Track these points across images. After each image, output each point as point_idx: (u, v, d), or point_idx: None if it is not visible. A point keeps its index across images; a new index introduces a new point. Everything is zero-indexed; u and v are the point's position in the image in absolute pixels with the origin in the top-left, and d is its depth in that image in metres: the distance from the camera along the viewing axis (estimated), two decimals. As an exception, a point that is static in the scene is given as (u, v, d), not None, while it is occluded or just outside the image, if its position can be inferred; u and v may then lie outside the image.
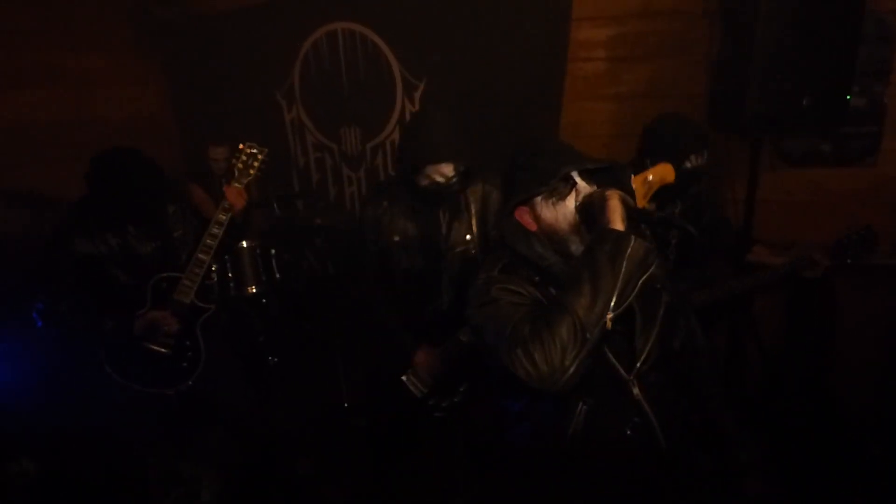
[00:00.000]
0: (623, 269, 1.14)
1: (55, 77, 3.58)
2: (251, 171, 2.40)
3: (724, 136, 2.64)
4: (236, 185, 2.36)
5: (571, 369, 1.11)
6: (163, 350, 2.35)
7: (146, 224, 2.37)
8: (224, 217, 2.33)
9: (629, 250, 1.14)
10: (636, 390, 1.31)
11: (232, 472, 2.62)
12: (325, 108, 3.86)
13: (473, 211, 2.22)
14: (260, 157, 2.41)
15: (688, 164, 2.28)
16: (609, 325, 1.14)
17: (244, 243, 3.20)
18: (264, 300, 3.37)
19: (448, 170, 2.04)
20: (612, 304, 1.13)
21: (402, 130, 3.60)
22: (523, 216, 1.37)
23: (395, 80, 3.54)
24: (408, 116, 3.58)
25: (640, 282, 1.17)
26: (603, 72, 3.07)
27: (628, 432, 1.31)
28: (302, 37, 3.74)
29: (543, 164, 1.32)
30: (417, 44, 3.41)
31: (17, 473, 2.54)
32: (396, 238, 2.22)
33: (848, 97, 2.29)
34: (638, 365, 1.32)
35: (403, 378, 2.23)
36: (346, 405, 3.10)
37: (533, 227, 1.36)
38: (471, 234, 2.22)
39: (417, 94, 3.50)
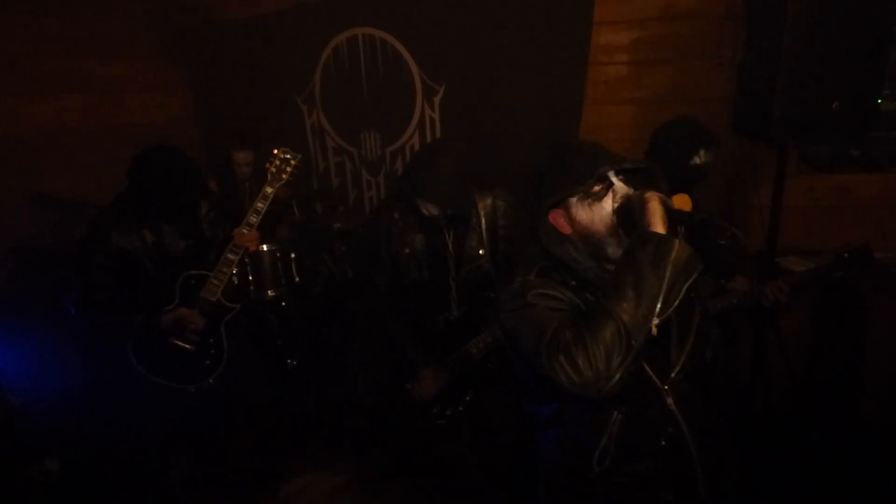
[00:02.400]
0: (667, 274, 1.10)
1: (82, 84, 3.66)
2: (283, 176, 2.47)
3: (749, 141, 2.60)
4: (246, 226, 2.40)
5: (617, 376, 1.07)
6: (187, 346, 2.39)
7: (180, 222, 2.42)
8: (234, 257, 2.39)
9: (673, 254, 1.11)
10: (670, 400, 1.27)
11: (249, 473, 2.64)
12: (345, 112, 3.88)
13: (484, 226, 2.26)
14: (293, 162, 2.48)
15: (696, 160, 2.27)
16: (654, 330, 1.11)
17: (264, 247, 3.24)
18: (284, 303, 3.39)
19: (433, 209, 2.13)
20: (658, 309, 1.10)
21: (421, 140, 3.63)
22: (557, 219, 1.33)
23: (414, 84, 3.55)
24: (427, 122, 3.58)
25: (685, 287, 1.13)
26: (624, 75, 3.04)
27: (663, 443, 1.27)
28: (323, 42, 3.77)
29: (579, 164, 1.28)
30: (437, 48, 3.41)
31: (42, 472, 2.59)
32: (406, 250, 2.26)
33: (879, 101, 2.23)
34: (673, 375, 1.28)
35: (407, 385, 2.27)
36: (362, 409, 3.11)
37: (567, 230, 1.32)
38: (483, 248, 2.26)
39: (437, 99, 3.51)
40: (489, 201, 2.27)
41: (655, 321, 1.10)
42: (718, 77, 2.79)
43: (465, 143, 3.14)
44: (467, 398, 2.31)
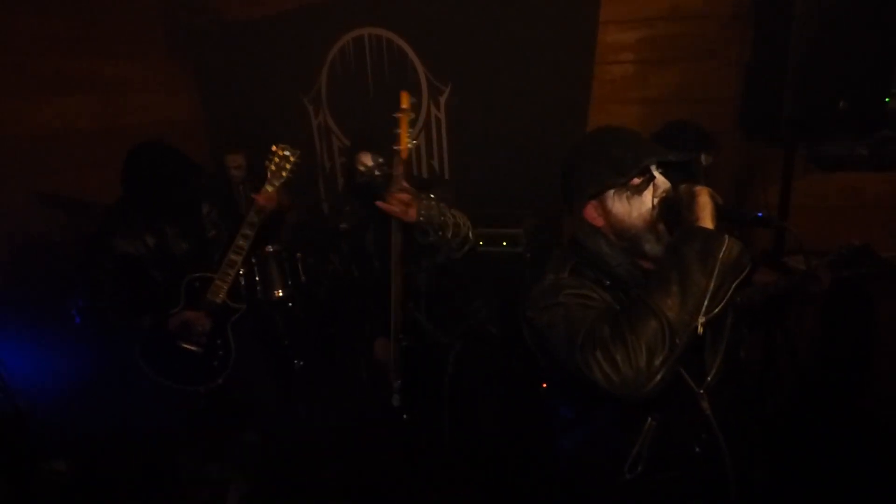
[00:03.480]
0: (716, 271, 1.03)
1: (88, 84, 3.67)
2: (283, 174, 2.39)
3: (757, 140, 2.59)
4: (268, 187, 2.36)
5: (659, 375, 1.00)
6: (195, 348, 2.39)
7: (181, 224, 2.41)
8: (256, 219, 2.34)
9: (722, 250, 1.03)
10: (706, 405, 1.22)
11: (259, 474, 2.65)
12: (351, 112, 3.88)
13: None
14: (293, 158, 2.38)
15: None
16: (701, 330, 1.03)
17: (270, 248, 3.24)
18: (290, 304, 3.40)
19: (367, 159, 2.34)
20: (704, 307, 1.03)
21: (427, 140, 3.64)
22: (589, 211, 1.26)
23: (420, 84, 3.55)
24: (433, 121, 3.59)
25: (734, 286, 1.06)
26: (631, 75, 3.03)
27: (697, 450, 1.23)
28: (329, 43, 3.78)
29: (621, 154, 1.20)
30: (443, 48, 3.42)
31: (51, 473, 2.60)
32: (365, 243, 2.42)
33: (886, 100, 2.22)
34: (709, 379, 1.23)
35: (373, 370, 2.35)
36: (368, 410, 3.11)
37: (599, 222, 1.24)
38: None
39: (443, 99, 3.51)
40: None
41: (702, 320, 1.03)
42: (725, 77, 2.78)
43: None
44: (396, 383, 2.29)
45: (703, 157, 2.31)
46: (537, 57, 3.13)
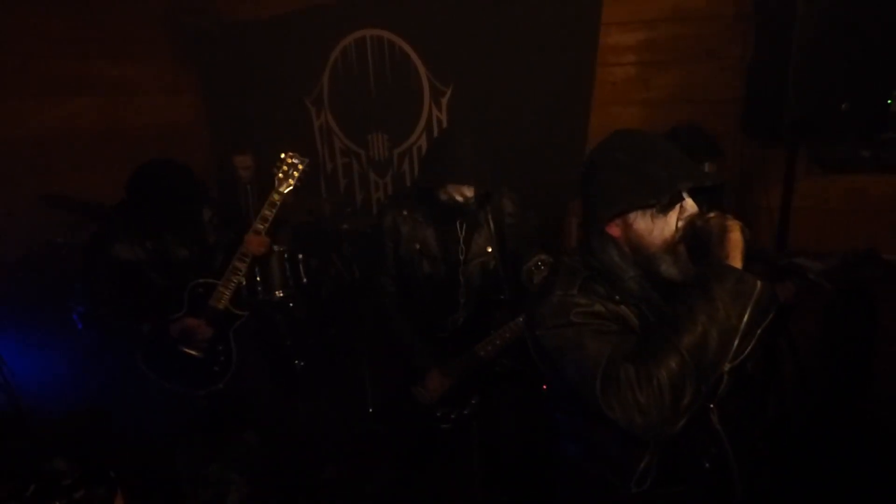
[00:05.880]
0: (746, 316, 0.99)
1: (92, 86, 3.69)
2: (291, 181, 2.41)
3: (759, 142, 2.58)
4: (254, 233, 2.38)
5: (683, 420, 0.97)
6: (196, 353, 2.39)
7: (183, 230, 2.42)
8: (242, 265, 2.38)
9: (754, 294, 1.00)
10: (715, 418, 1.20)
11: (259, 475, 2.65)
12: (353, 114, 3.89)
13: (491, 223, 2.25)
14: (301, 167, 2.42)
15: None
16: (725, 377, 1.02)
17: (273, 246, 3.23)
18: (291, 304, 3.40)
19: (469, 192, 2.09)
20: (732, 353, 0.99)
21: (429, 141, 3.62)
22: (611, 224, 1.21)
23: (422, 86, 3.55)
24: (435, 123, 3.59)
25: (760, 331, 1.03)
26: (633, 77, 3.03)
27: (706, 465, 1.21)
28: (332, 44, 3.79)
29: (655, 172, 1.13)
30: (445, 50, 3.42)
31: (51, 472, 2.60)
32: (417, 246, 2.25)
33: (889, 101, 2.21)
34: (718, 391, 1.20)
35: (412, 389, 2.26)
36: (370, 410, 3.11)
37: (616, 232, 1.19)
38: (491, 245, 2.25)
39: (445, 101, 3.51)
40: (496, 200, 2.26)
41: (727, 367, 1.00)
42: (727, 78, 2.77)
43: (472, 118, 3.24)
44: (473, 401, 2.30)
45: (706, 166, 2.30)
46: (539, 59, 3.13)
